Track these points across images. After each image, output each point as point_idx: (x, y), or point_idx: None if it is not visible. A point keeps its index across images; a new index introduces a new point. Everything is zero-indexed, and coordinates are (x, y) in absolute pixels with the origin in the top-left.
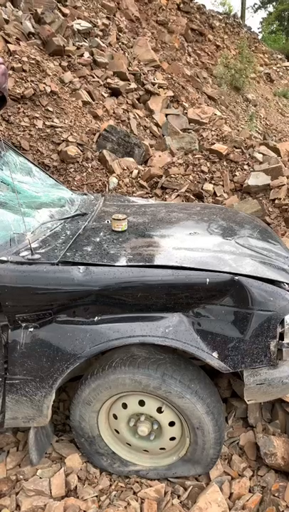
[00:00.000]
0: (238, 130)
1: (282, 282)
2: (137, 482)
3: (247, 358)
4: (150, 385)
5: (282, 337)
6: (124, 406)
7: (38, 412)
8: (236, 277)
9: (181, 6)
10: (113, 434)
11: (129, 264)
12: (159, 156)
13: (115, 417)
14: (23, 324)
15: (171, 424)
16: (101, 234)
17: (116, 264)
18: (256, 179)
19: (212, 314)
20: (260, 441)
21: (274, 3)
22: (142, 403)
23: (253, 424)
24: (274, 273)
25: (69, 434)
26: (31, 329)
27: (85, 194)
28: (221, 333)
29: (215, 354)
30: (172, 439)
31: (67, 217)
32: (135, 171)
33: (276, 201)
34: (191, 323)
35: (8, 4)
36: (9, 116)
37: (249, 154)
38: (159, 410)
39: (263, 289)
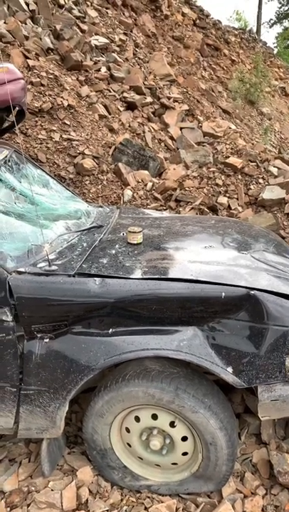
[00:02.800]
0: (253, 144)
1: None
2: (148, 497)
3: (262, 374)
4: (163, 398)
5: None
6: (137, 419)
7: (52, 424)
8: (252, 292)
9: (197, 21)
10: (125, 448)
11: (145, 276)
12: (174, 168)
13: (128, 430)
14: (39, 335)
15: (184, 438)
16: (116, 246)
17: (131, 276)
18: (271, 193)
19: (227, 329)
20: (273, 459)
21: None
22: (154, 417)
23: (266, 441)
24: None
25: (81, 447)
26: (46, 340)
27: (101, 206)
28: (236, 347)
29: (229, 369)
30: (184, 454)
31: (84, 230)
32: (150, 184)
33: None
34: (206, 337)
35: (29, 21)
36: (27, 129)
37: (264, 168)
38: (172, 424)
39: (278, 303)
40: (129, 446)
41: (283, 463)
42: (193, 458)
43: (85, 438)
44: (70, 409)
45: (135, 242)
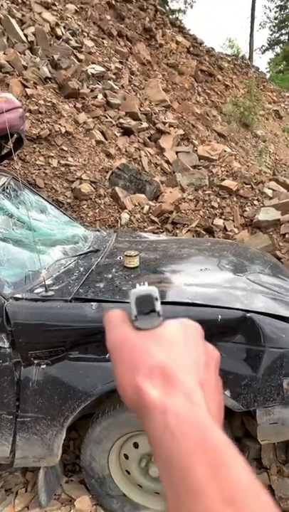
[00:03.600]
0: (248, 166)
1: None
2: None
3: (260, 397)
4: None
5: None
6: (136, 445)
7: (49, 451)
8: (248, 314)
9: (191, 49)
10: (124, 475)
11: None
12: (170, 192)
13: (126, 456)
14: (36, 361)
15: None
16: (113, 270)
17: (128, 300)
18: (266, 214)
19: (224, 351)
20: (274, 484)
21: (281, 45)
22: None
23: (267, 466)
24: (286, 309)
25: (79, 475)
26: (43, 366)
27: (98, 230)
28: (234, 370)
29: (227, 392)
30: None
31: (81, 254)
32: (146, 207)
33: (286, 236)
34: None
35: (27, 52)
36: (25, 155)
37: (259, 190)
38: None
39: (274, 325)
40: (128, 473)
41: (284, 488)
42: None
43: (83, 466)
44: (67, 436)
45: (132, 265)
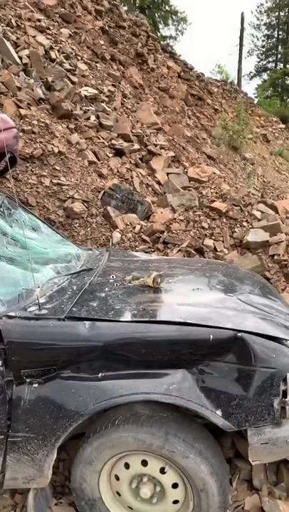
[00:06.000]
0: (237, 188)
1: (284, 339)
2: None
3: (251, 416)
4: (153, 443)
5: (285, 395)
6: (127, 466)
7: (39, 472)
8: (239, 334)
9: (182, 74)
10: (114, 497)
11: (134, 319)
12: (161, 212)
13: (117, 478)
14: (28, 380)
15: (175, 485)
16: (106, 289)
17: (121, 319)
18: (255, 235)
19: (216, 371)
20: (266, 506)
21: (268, 72)
22: (144, 463)
23: (258, 487)
24: (275, 330)
25: (68, 497)
26: (35, 385)
27: (90, 249)
28: (225, 390)
29: (219, 412)
30: (175, 502)
31: (74, 273)
32: (138, 227)
33: (275, 257)
34: (195, 380)
35: (21, 73)
36: (18, 174)
37: (248, 212)
38: (162, 471)
39: (265, 345)
40: (119, 495)
41: (276, 509)
42: (185, 506)
43: (72, 487)
44: (57, 457)
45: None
